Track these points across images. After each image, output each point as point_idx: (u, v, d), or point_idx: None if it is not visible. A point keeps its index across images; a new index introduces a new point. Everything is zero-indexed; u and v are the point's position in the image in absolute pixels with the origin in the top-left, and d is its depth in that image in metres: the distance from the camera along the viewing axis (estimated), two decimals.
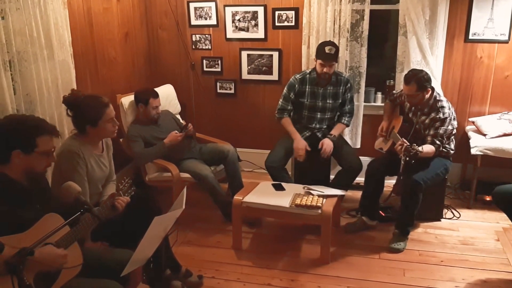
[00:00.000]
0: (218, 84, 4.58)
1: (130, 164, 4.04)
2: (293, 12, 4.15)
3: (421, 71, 3.30)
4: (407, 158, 2.98)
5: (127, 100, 3.73)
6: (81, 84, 3.35)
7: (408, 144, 3.02)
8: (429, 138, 3.30)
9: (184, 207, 2.08)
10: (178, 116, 4.19)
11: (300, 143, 3.65)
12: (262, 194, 3.29)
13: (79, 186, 2.07)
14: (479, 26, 3.86)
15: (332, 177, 3.86)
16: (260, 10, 4.22)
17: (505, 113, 3.91)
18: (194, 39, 4.48)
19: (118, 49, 3.99)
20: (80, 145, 2.54)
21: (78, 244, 2.03)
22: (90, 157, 2.58)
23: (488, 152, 3.66)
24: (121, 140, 3.67)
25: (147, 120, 3.64)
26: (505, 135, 3.77)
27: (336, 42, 3.90)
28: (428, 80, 3.27)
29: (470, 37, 3.91)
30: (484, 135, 3.82)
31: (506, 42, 3.85)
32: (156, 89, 3.78)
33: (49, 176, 2.57)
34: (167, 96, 4.07)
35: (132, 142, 3.53)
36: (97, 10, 3.63)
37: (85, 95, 2.63)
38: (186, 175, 3.56)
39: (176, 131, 3.64)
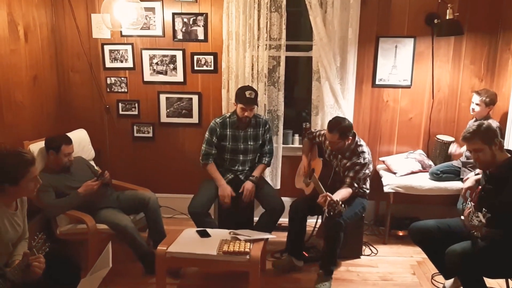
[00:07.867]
0: (135, 127, 4.43)
1: (38, 216, 3.70)
2: (212, 57, 4.19)
3: (344, 119, 3.45)
4: (331, 213, 3.04)
5: (36, 147, 3.45)
6: None
7: (333, 200, 3.07)
8: (348, 180, 3.43)
9: (111, 265, 1.92)
10: (92, 163, 3.96)
11: (226, 191, 3.66)
12: (187, 242, 3.16)
13: None
14: (385, 72, 4.18)
15: (256, 219, 3.85)
16: (179, 54, 4.20)
17: (411, 152, 4.23)
18: (109, 81, 4.32)
19: (26, 93, 3.71)
20: None
21: None
22: (3, 216, 2.32)
23: (399, 189, 3.90)
24: None
25: (58, 168, 3.39)
26: (412, 172, 4.04)
27: (254, 86, 3.99)
28: (350, 128, 3.41)
29: (377, 82, 4.21)
30: (394, 173, 4.07)
31: (408, 87, 4.21)
32: (68, 134, 3.55)
33: None
34: (80, 142, 3.84)
35: (42, 193, 3.23)
36: (3, 52, 3.37)
37: (7, 150, 2.38)
38: (103, 226, 3.33)
39: (94, 179, 3.42)
